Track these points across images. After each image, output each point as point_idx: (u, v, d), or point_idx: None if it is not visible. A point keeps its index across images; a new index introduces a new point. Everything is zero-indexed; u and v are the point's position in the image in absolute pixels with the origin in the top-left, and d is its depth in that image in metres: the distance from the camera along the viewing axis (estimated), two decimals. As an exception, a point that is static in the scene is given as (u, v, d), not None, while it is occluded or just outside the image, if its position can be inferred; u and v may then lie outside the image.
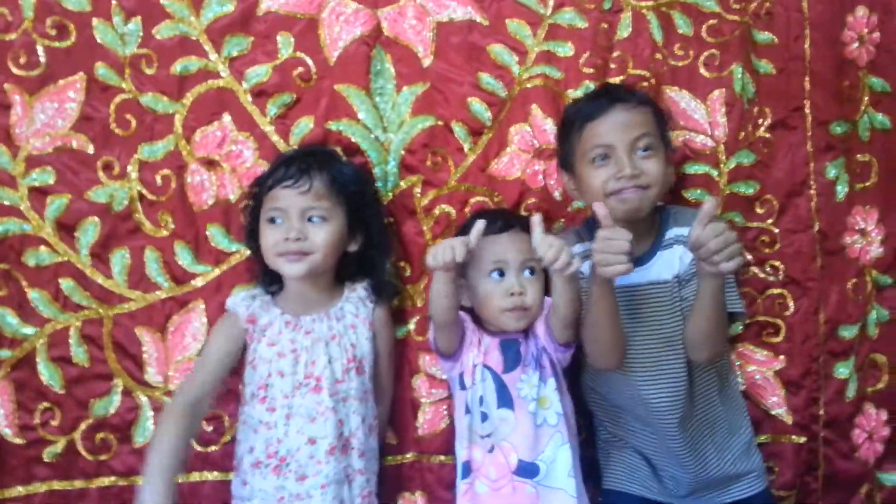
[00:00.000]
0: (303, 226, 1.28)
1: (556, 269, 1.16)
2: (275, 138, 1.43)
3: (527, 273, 1.30)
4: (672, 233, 1.34)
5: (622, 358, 1.30)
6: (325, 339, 1.30)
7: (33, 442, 1.37)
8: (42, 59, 1.37)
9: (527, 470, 1.26)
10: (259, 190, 1.32)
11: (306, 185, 1.27)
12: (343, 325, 1.33)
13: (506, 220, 1.35)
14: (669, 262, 1.33)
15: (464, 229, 1.37)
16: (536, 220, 1.17)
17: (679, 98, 1.51)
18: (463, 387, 1.32)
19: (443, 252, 1.18)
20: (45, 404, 1.38)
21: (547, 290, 1.30)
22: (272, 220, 1.29)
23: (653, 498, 1.37)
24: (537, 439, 1.27)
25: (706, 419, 1.34)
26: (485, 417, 1.29)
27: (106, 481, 1.41)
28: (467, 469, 1.29)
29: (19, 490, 1.38)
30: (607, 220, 1.17)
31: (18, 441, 1.37)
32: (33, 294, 1.38)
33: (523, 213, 1.48)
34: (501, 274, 1.29)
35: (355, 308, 1.35)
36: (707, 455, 1.34)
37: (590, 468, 1.42)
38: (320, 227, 1.29)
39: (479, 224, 1.19)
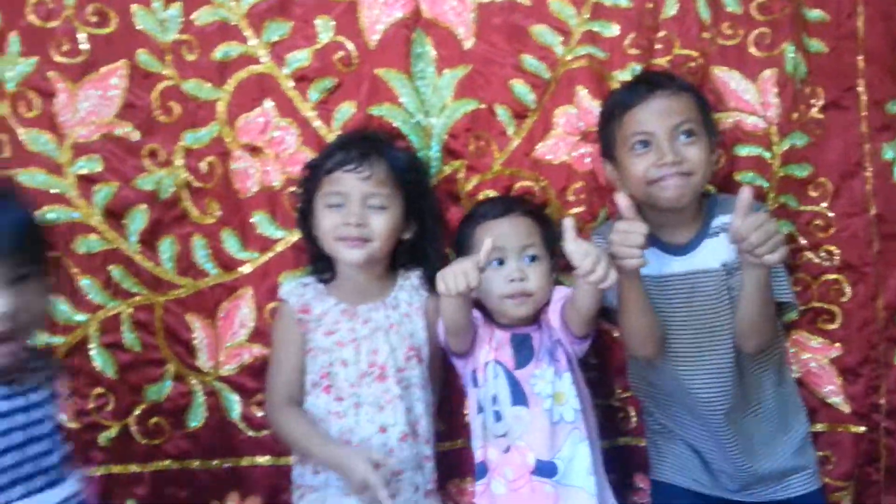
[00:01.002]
0: (363, 211, 1.27)
1: (590, 281, 1.10)
2: (317, 124, 1.42)
3: (527, 259, 1.28)
4: (719, 221, 1.31)
5: (659, 347, 1.27)
6: (384, 328, 1.30)
7: (88, 426, 1.39)
8: (84, 47, 1.37)
9: (545, 469, 1.24)
10: (316, 172, 1.31)
11: (368, 171, 1.26)
12: (399, 313, 1.32)
13: (504, 204, 1.32)
14: (716, 251, 1.29)
15: (464, 222, 1.36)
16: (569, 224, 1.12)
17: (729, 78, 1.47)
18: (475, 384, 1.30)
19: (454, 281, 1.14)
20: (99, 390, 1.40)
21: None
22: (332, 205, 1.27)
23: (703, 492, 1.34)
24: (554, 437, 1.24)
25: (758, 413, 1.31)
26: (498, 417, 1.27)
27: (160, 465, 1.43)
28: (483, 469, 1.27)
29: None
30: (628, 211, 1.14)
31: (74, 425, 1.39)
32: (84, 281, 1.39)
33: (570, 198, 1.46)
34: (501, 261, 1.27)
35: (409, 297, 1.34)
36: (757, 450, 1.31)
37: (642, 458, 1.41)
38: (380, 215, 1.28)
39: (488, 243, 1.16)
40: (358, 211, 1.26)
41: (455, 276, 1.13)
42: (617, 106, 1.31)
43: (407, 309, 1.33)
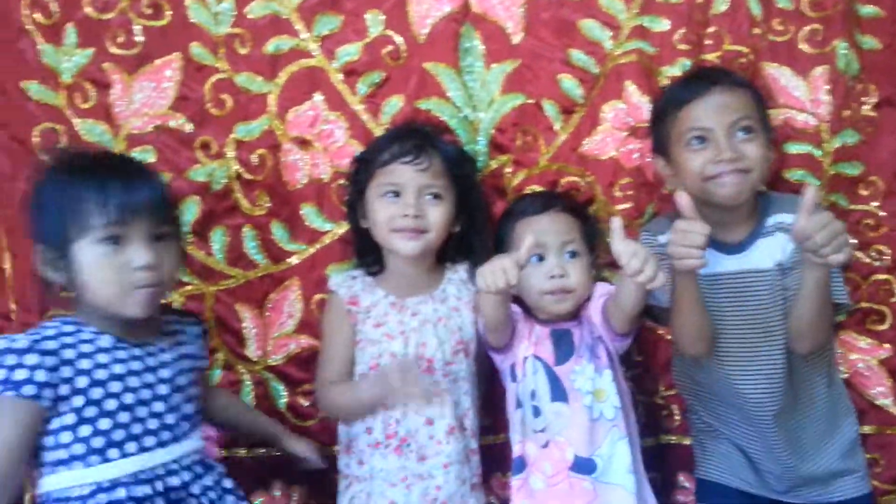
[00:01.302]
0: (420, 203, 1.27)
1: (637, 281, 1.08)
2: (365, 117, 1.43)
3: (567, 256, 1.27)
4: (774, 220, 1.29)
5: (710, 346, 1.26)
6: (432, 321, 1.30)
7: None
8: (139, 39, 1.39)
9: (583, 466, 1.23)
10: (369, 164, 1.31)
11: (426, 163, 1.27)
12: (447, 307, 1.32)
13: (544, 200, 1.32)
14: (770, 250, 1.27)
15: (504, 217, 1.36)
16: (617, 223, 1.09)
17: (779, 75, 1.45)
18: (514, 379, 1.29)
19: (493, 278, 1.12)
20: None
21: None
22: (389, 195, 1.28)
23: (750, 491, 1.33)
24: (594, 434, 1.23)
25: (808, 413, 1.29)
26: (537, 412, 1.26)
27: (211, 453, 1.46)
28: (521, 464, 1.26)
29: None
30: (688, 210, 1.12)
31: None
32: (136, 270, 1.42)
33: (617, 194, 1.45)
34: (541, 258, 1.26)
35: (458, 290, 1.35)
36: (806, 451, 1.29)
37: (686, 456, 1.41)
38: (436, 206, 1.28)
39: (529, 240, 1.15)
40: (415, 202, 1.26)
41: (494, 273, 1.12)
42: (672, 101, 1.29)
43: (455, 303, 1.33)
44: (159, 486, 1.04)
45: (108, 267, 1.02)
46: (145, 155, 1.39)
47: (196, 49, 1.40)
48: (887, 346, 1.46)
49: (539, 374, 1.27)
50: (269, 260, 1.44)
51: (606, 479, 1.22)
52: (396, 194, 1.27)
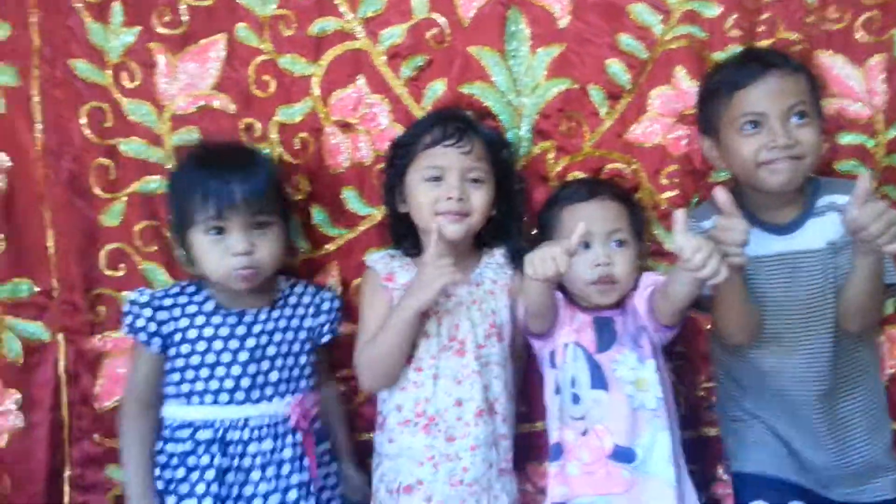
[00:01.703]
0: (463, 185, 1.26)
1: (700, 276, 1.05)
2: (408, 101, 1.41)
3: (614, 245, 1.25)
4: (825, 200, 1.27)
5: (752, 336, 1.24)
6: (467, 303, 1.29)
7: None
8: (184, 19, 1.38)
9: (623, 455, 1.22)
10: (410, 148, 1.30)
11: (468, 146, 1.26)
12: (483, 290, 1.32)
13: (591, 187, 1.30)
14: (822, 230, 1.25)
15: (549, 204, 1.34)
16: (680, 216, 1.06)
17: (833, 63, 1.42)
18: (553, 365, 1.28)
19: (542, 266, 1.11)
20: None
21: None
22: (431, 179, 1.27)
23: (791, 480, 1.29)
24: (634, 423, 1.22)
25: (852, 402, 1.27)
26: (576, 399, 1.25)
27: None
28: (559, 451, 1.26)
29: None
30: (728, 206, 1.10)
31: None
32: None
33: (663, 181, 1.43)
34: (587, 245, 1.24)
35: (494, 274, 1.34)
36: (847, 438, 1.27)
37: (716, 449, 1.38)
38: (478, 189, 1.28)
39: (581, 227, 1.13)
40: (458, 185, 1.26)
41: (544, 260, 1.11)
42: (725, 84, 1.26)
43: (491, 286, 1.32)
44: (220, 435, 1.21)
45: (213, 252, 1.22)
46: (190, 136, 1.40)
47: (241, 30, 1.39)
48: (938, 343, 1.42)
49: (580, 361, 1.26)
50: (309, 244, 1.44)
51: (646, 470, 1.21)
52: (438, 178, 1.27)
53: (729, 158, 1.27)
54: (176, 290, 1.30)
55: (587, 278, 1.24)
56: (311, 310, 1.34)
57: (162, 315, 1.26)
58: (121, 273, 1.42)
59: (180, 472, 1.23)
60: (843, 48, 1.41)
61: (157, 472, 1.25)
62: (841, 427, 1.27)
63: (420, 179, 1.28)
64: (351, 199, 1.44)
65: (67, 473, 1.44)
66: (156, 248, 1.41)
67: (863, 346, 1.29)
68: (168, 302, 1.27)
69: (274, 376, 1.26)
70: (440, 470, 1.24)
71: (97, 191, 1.40)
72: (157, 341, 1.26)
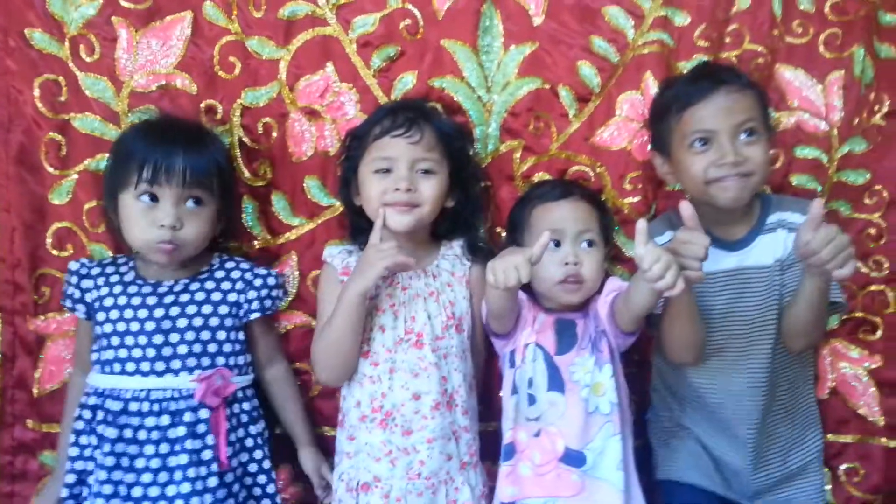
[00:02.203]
0: (412, 176, 1.25)
1: (657, 287, 1.06)
2: (377, 92, 1.39)
3: (584, 245, 1.26)
4: (775, 217, 1.30)
5: (698, 355, 1.26)
6: (423, 295, 1.29)
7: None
8: (150, -7, 1.34)
9: (573, 458, 1.22)
10: (362, 139, 1.29)
11: (417, 136, 1.25)
12: (440, 282, 1.31)
13: (563, 188, 1.30)
14: (772, 247, 1.28)
15: (521, 202, 1.35)
16: (642, 226, 1.06)
17: (793, 77, 1.44)
18: (512, 365, 1.29)
19: (505, 275, 1.11)
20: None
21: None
22: (380, 170, 1.26)
23: (716, 491, 1.32)
24: (587, 428, 1.23)
25: (783, 414, 1.30)
26: (532, 400, 1.26)
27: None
28: (511, 450, 1.26)
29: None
30: (691, 221, 1.11)
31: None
32: (132, 235, 1.38)
33: (626, 186, 1.44)
34: (557, 244, 1.25)
35: (451, 266, 1.33)
36: (777, 451, 1.30)
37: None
38: (428, 180, 1.27)
39: (545, 236, 1.13)
40: (406, 175, 1.24)
41: (506, 270, 1.11)
42: (677, 100, 1.27)
43: (449, 278, 1.32)
44: (123, 406, 1.20)
45: (140, 219, 1.20)
46: (148, 115, 1.34)
47: (209, 8, 1.35)
48: (877, 356, 1.46)
49: (538, 362, 1.27)
50: (267, 232, 1.41)
51: (595, 474, 1.22)
52: (388, 170, 1.25)
53: (680, 175, 1.28)
54: (109, 261, 1.31)
55: (555, 277, 1.25)
56: (239, 285, 1.30)
57: (87, 283, 1.27)
58: (67, 253, 1.37)
59: (85, 440, 1.22)
60: (804, 63, 1.44)
61: (73, 438, 1.23)
62: (771, 441, 1.29)
63: (370, 171, 1.26)
64: (313, 188, 1.41)
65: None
66: (103, 228, 1.37)
67: (798, 362, 1.32)
68: (96, 271, 1.28)
69: (182, 349, 1.23)
70: (397, 465, 1.23)
71: (47, 167, 1.35)
72: (81, 308, 1.27)
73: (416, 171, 1.26)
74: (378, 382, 1.25)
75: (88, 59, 1.34)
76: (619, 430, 1.24)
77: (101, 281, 1.26)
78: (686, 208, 1.12)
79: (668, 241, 1.28)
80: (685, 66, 1.42)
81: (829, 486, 1.47)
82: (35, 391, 1.38)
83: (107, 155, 1.34)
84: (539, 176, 1.43)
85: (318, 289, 1.35)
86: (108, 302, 1.24)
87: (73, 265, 1.28)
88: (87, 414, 1.22)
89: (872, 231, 1.46)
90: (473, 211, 1.37)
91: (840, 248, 1.06)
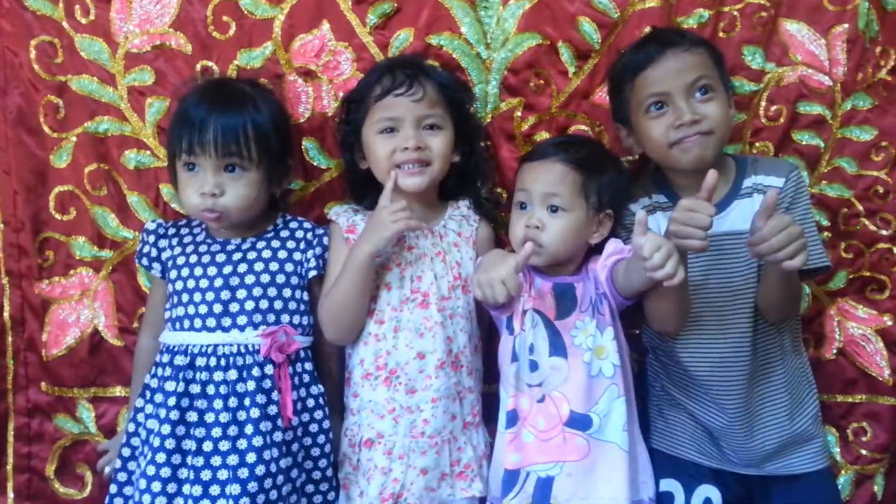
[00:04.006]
0: (419, 134, 1.24)
1: (656, 276, 1.04)
2: (374, 50, 1.38)
3: (549, 210, 1.23)
4: (751, 181, 1.27)
5: (682, 326, 1.25)
6: (430, 255, 1.28)
7: (131, 346, 1.39)
8: (142, -48, 1.33)
9: (579, 422, 1.22)
10: (362, 101, 1.27)
11: (420, 93, 1.24)
12: (447, 242, 1.31)
13: (549, 148, 1.28)
14: (748, 212, 1.22)
15: (521, 160, 1.34)
16: (641, 216, 1.05)
17: (796, 31, 1.42)
18: (511, 331, 1.27)
19: (492, 291, 1.10)
20: (143, 309, 1.39)
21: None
22: (385, 130, 1.25)
23: (707, 465, 1.31)
24: (591, 391, 1.22)
25: (770, 382, 1.28)
26: (534, 366, 1.25)
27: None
28: (514, 418, 1.25)
29: (120, 391, 1.42)
30: (707, 192, 1.08)
31: (118, 343, 1.40)
32: (132, 198, 1.38)
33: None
34: (524, 206, 1.25)
35: (458, 226, 1.33)
36: (769, 419, 1.28)
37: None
38: (436, 136, 1.26)
39: (528, 247, 1.13)
40: (413, 133, 1.24)
41: (492, 285, 1.09)
42: (628, 68, 1.26)
43: (455, 238, 1.32)
44: (189, 362, 1.21)
45: (187, 187, 1.24)
46: (143, 75, 1.35)
47: (202, -35, 1.34)
48: (886, 316, 1.45)
49: (538, 328, 1.26)
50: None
51: (601, 436, 1.22)
52: (393, 129, 1.24)
53: (643, 143, 1.27)
54: (184, 222, 1.34)
55: (518, 237, 1.25)
56: (302, 244, 1.31)
57: (163, 243, 1.30)
58: (70, 217, 1.38)
59: (158, 397, 1.21)
60: (808, 16, 1.41)
61: (147, 394, 1.23)
62: (761, 409, 1.28)
63: (375, 133, 1.25)
64: (311, 150, 1.40)
65: (11, 423, 1.40)
66: (105, 192, 1.37)
67: (783, 330, 1.30)
68: (171, 231, 1.32)
69: (249, 305, 1.23)
70: (401, 423, 1.24)
71: (46, 130, 1.35)
72: (157, 266, 1.30)
73: (423, 127, 1.25)
74: (383, 340, 1.25)
75: (83, 21, 1.33)
76: (622, 393, 1.24)
77: (175, 241, 1.29)
78: (710, 175, 1.08)
79: (641, 209, 1.29)
80: (685, 22, 1.39)
81: (837, 449, 1.48)
82: (44, 355, 1.39)
83: (106, 117, 1.36)
84: (540, 135, 1.42)
85: (329, 247, 1.32)
86: (181, 260, 1.27)
87: (150, 225, 1.31)
88: (159, 371, 1.23)
89: (880, 188, 1.44)
90: (478, 165, 1.36)
91: (790, 238, 1.05)
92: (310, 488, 1.27)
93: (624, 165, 1.35)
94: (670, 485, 1.28)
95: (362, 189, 1.34)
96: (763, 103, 1.42)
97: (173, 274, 1.27)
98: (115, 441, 1.33)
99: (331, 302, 1.25)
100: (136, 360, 1.34)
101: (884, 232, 1.45)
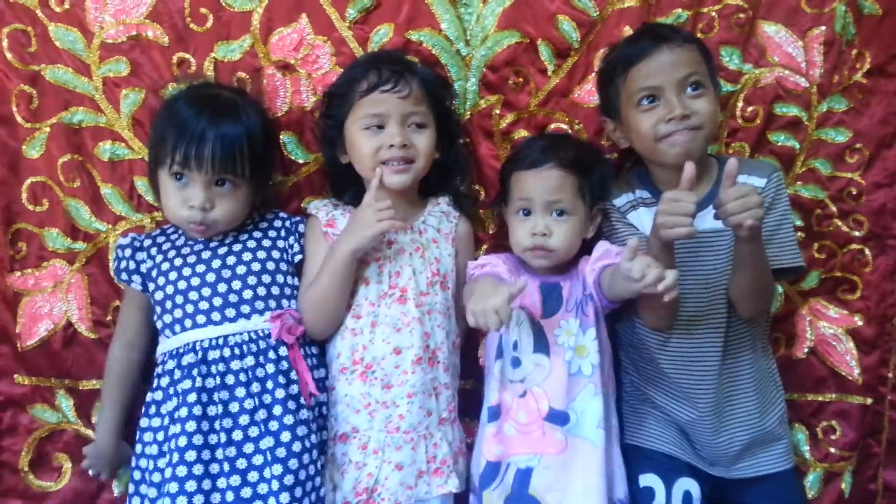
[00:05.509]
0: (405, 132, 1.24)
1: (659, 289, 1.05)
2: (353, 45, 1.37)
3: (554, 215, 1.26)
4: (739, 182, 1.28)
5: (674, 321, 1.27)
6: (409, 250, 1.28)
7: (105, 339, 1.37)
8: (119, -59, 1.31)
9: (558, 417, 1.24)
10: (346, 96, 1.27)
11: (406, 90, 1.23)
12: (426, 238, 1.31)
13: (540, 153, 1.28)
14: None
15: (506, 162, 1.34)
16: (633, 244, 1.06)
17: (774, 33, 1.43)
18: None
19: (486, 319, 1.10)
20: (117, 302, 1.38)
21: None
22: (372, 127, 1.24)
23: (683, 459, 1.31)
24: (570, 388, 1.25)
25: (739, 380, 1.30)
26: (517, 363, 1.27)
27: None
28: (496, 412, 1.27)
29: (94, 383, 1.40)
30: (687, 183, 1.11)
31: (92, 336, 1.38)
32: (106, 190, 1.37)
33: (604, 142, 1.42)
34: (527, 213, 1.26)
35: (438, 222, 1.33)
36: (737, 417, 1.29)
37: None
38: (421, 134, 1.26)
39: (522, 281, 1.13)
40: (399, 131, 1.23)
41: (486, 314, 1.10)
42: (620, 61, 1.27)
43: (435, 234, 1.32)
44: (201, 357, 1.20)
45: (173, 197, 1.22)
46: (119, 66, 1.33)
47: (179, -45, 1.32)
48: (856, 316, 1.47)
49: (523, 325, 1.28)
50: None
51: (577, 432, 1.24)
52: (380, 126, 1.24)
53: (631, 136, 1.29)
54: (157, 232, 1.32)
55: (524, 244, 1.26)
56: (283, 232, 1.31)
57: (140, 255, 1.28)
58: (43, 208, 1.36)
59: (168, 406, 1.21)
60: (785, 19, 1.42)
61: (153, 409, 1.23)
62: (731, 406, 1.29)
63: (359, 129, 1.25)
64: (289, 144, 1.40)
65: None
66: (79, 183, 1.36)
67: (754, 327, 1.32)
68: (147, 243, 1.30)
69: (248, 294, 1.24)
70: (376, 417, 1.24)
71: (19, 119, 1.33)
72: (137, 279, 1.28)
73: (409, 125, 1.25)
74: (360, 335, 1.25)
75: (58, 9, 1.31)
76: (600, 391, 1.26)
77: (153, 251, 1.28)
78: (689, 167, 1.12)
79: (625, 204, 1.32)
80: (665, 22, 1.39)
81: (806, 447, 1.50)
82: (19, 346, 1.38)
83: (80, 108, 1.34)
84: (519, 133, 1.42)
85: (305, 241, 1.32)
86: (165, 266, 1.25)
87: (124, 240, 1.29)
88: (164, 381, 1.22)
89: (853, 190, 1.46)
90: (458, 162, 1.36)
91: (747, 206, 1.09)
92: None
93: (605, 155, 1.38)
94: (650, 480, 1.29)
95: (342, 183, 1.34)
96: (740, 104, 1.43)
97: (161, 281, 1.25)
98: (93, 447, 1.34)
99: (311, 297, 1.25)
100: (107, 369, 1.33)
101: (856, 233, 1.47)
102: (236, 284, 1.23)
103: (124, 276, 1.28)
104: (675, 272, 1.05)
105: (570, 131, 1.43)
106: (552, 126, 1.43)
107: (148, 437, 1.22)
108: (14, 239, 1.37)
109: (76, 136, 1.35)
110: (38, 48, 1.32)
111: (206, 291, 1.22)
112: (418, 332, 1.25)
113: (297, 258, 1.31)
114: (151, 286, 1.26)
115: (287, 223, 1.32)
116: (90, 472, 1.35)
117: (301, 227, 1.32)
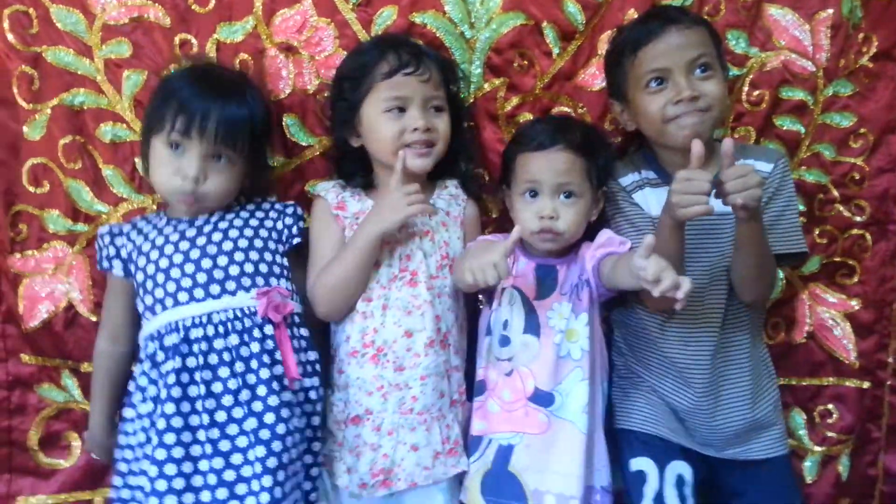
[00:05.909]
0: (428, 115, 1.24)
1: (654, 290, 1.05)
2: (356, 27, 1.36)
3: (562, 197, 1.25)
4: (740, 163, 1.27)
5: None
6: (419, 233, 1.28)
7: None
8: (119, -80, 1.29)
9: (542, 398, 1.25)
10: (363, 78, 1.25)
11: (427, 74, 1.23)
12: (435, 221, 1.31)
13: (547, 135, 1.27)
14: None
15: (510, 143, 1.34)
16: (649, 240, 1.05)
17: (781, 16, 1.42)
18: (489, 305, 1.30)
19: (483, 274, 1.11)
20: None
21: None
22: (394, 109, 1.24)
23: (675, 441, 1.30)
24: (557, 370, 1.25)
25: (734, 363, 1.30)
26: (505, 341, 1.28)
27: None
28: (482, 387, 1.29)
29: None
30: (696, 161, 1.11)
31: (93, 318, 1.38)
32: (107, 171, 1.36)
33: (608, 126, 1.42)
34: (535, 194, 1.26)
35: (447, 205, 1.33)
36: (732, 401, 1.29)
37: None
38: (441, 117, 1.27)
39: (515, 232, 1.14)
40: (422, 114, 1.23)
41: (484, 270, 1.11)
42: (629, 43, 1.26)
43: (444, 217, 1.32)
44: (184, 336, 1.17)
45: (166, 166, 1.20)
46: (121, 48, 1.32)
47: (182, -64, 1.30)
48: (854, 301, 1.48)
49: (516, 305, 1.28)
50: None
51: (561, 414, 1.25)
52: (401, 109, 1.24)
53: (638, 119, 1.28)
54: (139, 218, 1.30)
55: (531, 227, 1.25)
56: (273, 213, 1.30)
57: (120, 241, 1.26)
58: (44, 190, 1.35)
59: (151, 390, 1.18)
60: (792, 1, 1.41)
61: (139, 396, 1.20)
62: (726, 390, 1.30)
63: (380, 111, 1.24)
64: (292, 127, 1.39)
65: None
66: (80, 165, 1.35)
67: (752, 313, 1.32)
68: (127, 228, 1.28)
69: (234, 270, 1.21)
70: (389, 399, 1.24)
71: (20, 101, 1.32)
72: (118, 264, 1.26)
73: (429, 109, 1.25)
74: (370, 318, 1.25)
75: (59, -10, 1.30)
76: (587, 376, 1.26)
77: (133, 234, 1.26)
78: (696, 145, 1.12)
79: (631, 184, 1.31)
80: (670, 5, 1.37)
81: (804, 431, 1.52)
82: (23, 327, 1.38)
83: (82, 90, 1.33)
84: (523, 116, 1.41)
85: (312, 224, 1.32)
86: (146, 247, 1.23)
87: (104, 228, 1.28)
88: (147, 366, 1.19)
89: (856, 175, 1.46)
90: (464, 146, 1.35)
91: (747, 185, 1.09)
92: (308, 459, 1.25)
93: (608, 137, 1.38)
94: (642, 463, 1.29)
95: (350, 167, 1.33)
96: (746, 88, 1.43)
97: (142, 261, 1.23)
98: (89, 434, 1.34)
99: (331, 280, 1.24)
100: (94, 361, 1.32)
101: (858, 218, 1.47)
102: (222, 260, 1.21)
103: (105, 263, 1.27)
104: (690, 281, 1.04)
105: (574, 115, 1.42)
106: (556, 109, 1.42)
107: (129, 428, 1.20)
108: (15, 221, 1.36)
109: (77, 118, 1.34)
110: (39, 29, 1.30)
111: (190, 268, 1.20)
112: (430, 315, 1.25)
113: (295, 241, 1.28)
114: (132, 268, 1.24)
115: (278, 206, 1.31)
116: (92, 455, 1.36)
117: (299, 211, 1.30)
